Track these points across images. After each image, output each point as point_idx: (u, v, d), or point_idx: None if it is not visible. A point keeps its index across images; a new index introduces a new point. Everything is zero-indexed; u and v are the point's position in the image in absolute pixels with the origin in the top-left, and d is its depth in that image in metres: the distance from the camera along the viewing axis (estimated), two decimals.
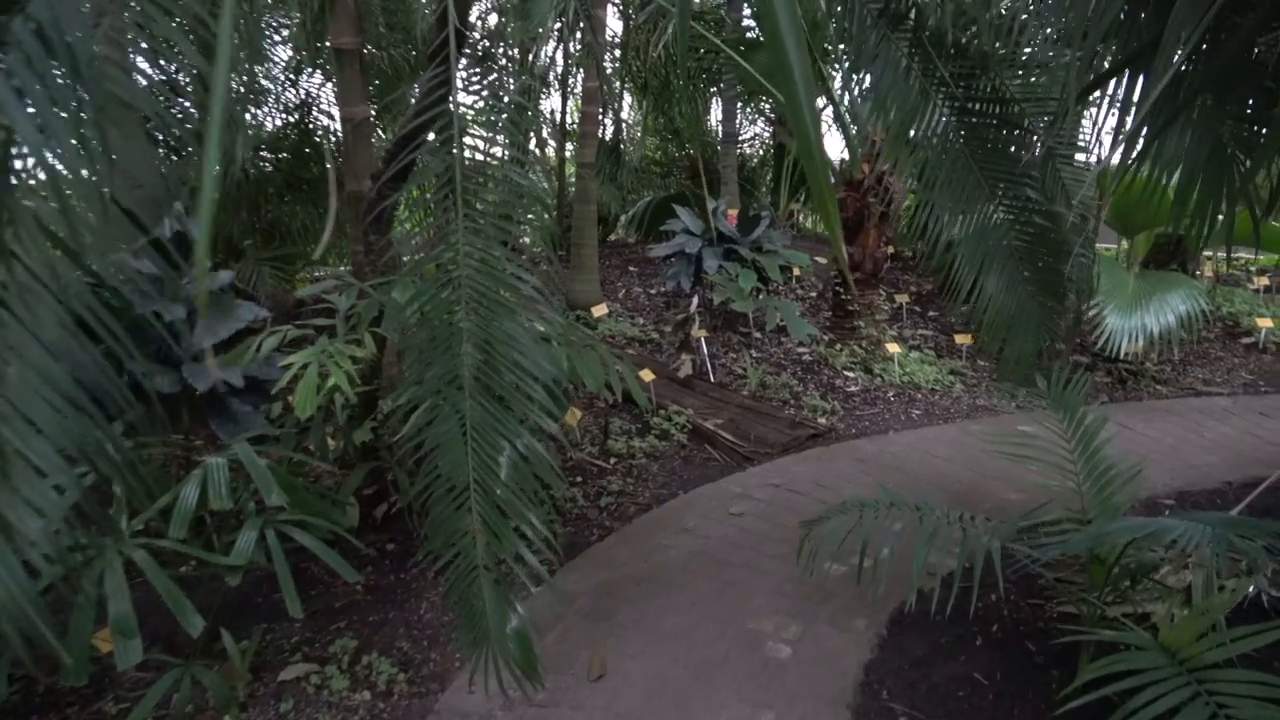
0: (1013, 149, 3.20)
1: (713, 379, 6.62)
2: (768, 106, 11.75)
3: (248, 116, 7.43)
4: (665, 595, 3.89)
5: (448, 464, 2.60)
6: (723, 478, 5.20)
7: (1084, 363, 7.04)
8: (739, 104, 10.53)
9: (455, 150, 2.78)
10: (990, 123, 3.18)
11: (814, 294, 8.91)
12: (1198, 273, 8.15)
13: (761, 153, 12.27)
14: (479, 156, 3.15)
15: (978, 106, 3.17)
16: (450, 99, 2.82)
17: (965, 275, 3.28)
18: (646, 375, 5.94)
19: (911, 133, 3.26)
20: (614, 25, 13.12)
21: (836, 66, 8.51)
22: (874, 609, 3.74)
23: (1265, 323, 7.43)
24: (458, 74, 3.36)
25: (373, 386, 4.13)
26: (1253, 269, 9.72)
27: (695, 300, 6.75)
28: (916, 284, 9.13)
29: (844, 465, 5.38)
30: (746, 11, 9.62)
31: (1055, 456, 3.67)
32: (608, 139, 8.49)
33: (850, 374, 6.89)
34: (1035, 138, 3.17)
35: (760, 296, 7.23)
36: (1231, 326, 7.72)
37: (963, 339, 7.31)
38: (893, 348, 6.97)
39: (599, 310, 7.40)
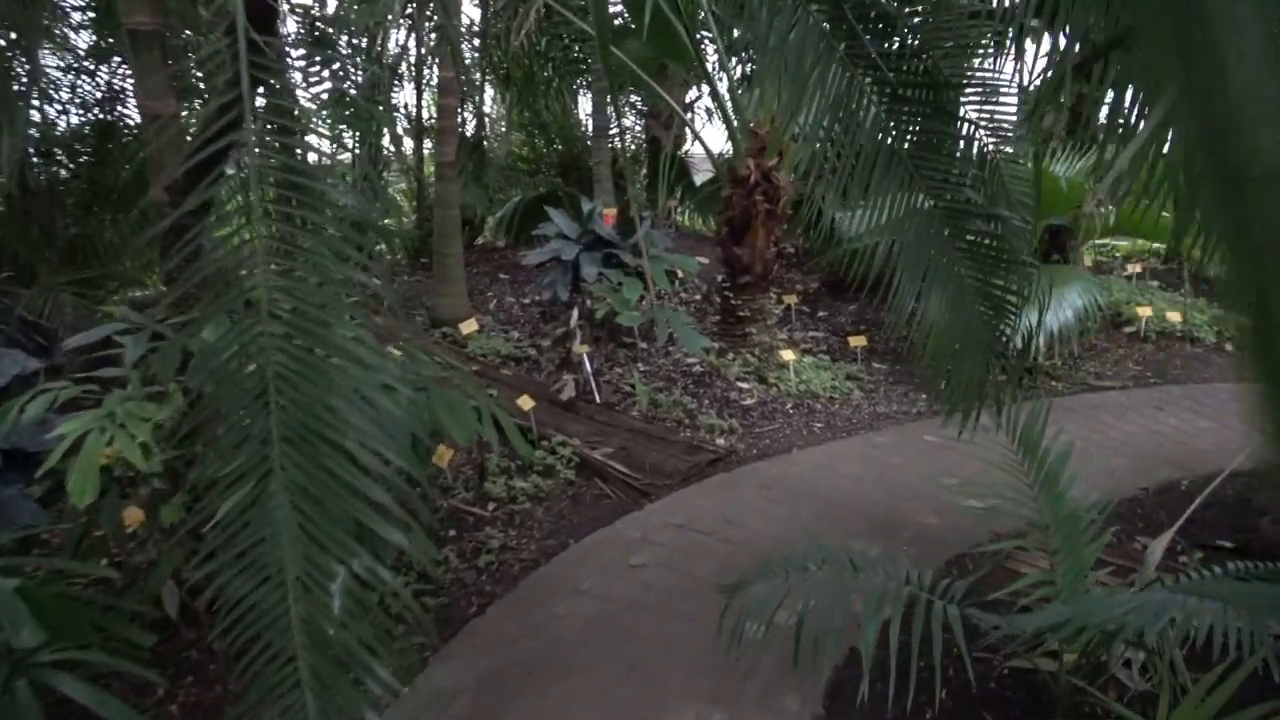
0: (948, 143, 2.71)
1: (599, 399, 6.01)
2: (639, 99, 11.21)
3: (33, 113, 6.27)
4: (564, 683, 3.24)
5: (261, 594, 1.88)
6: (618, 519, 4.59)
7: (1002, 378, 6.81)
8: (609, 96, 9.93)
9: (252, 143, 2.04)
10: (926, 113, 2.69)
11: (699, 297, 8.42)
12: (1074, 263, 8.11)
13: (634, 147, 11.70)
14: (321, 157, 2.42)
15: (911, 93, 2.67)
16: (241, 82, 2.08)
17: (905, 294, 2.79)
18: (525, 402, 5.26)
19: (833, 126, 2.72)
20: (472, 14, 12.28)
21: (714, 47, 8.03)
22: (805, 679, 3.22)
23: (1145, 311, 7.42)
24: (265, 56, 2.60)
25: (181, 452, 3.29)
26: (1119, 255, 9.89)
27: (575, 313, 6.12)
28: (803, 282, 8.79)
29: (749, 493, 4.87)
30: None
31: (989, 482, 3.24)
32: (469, 135, 7.75)
33: (745, 385, 6.41)
34: (976, 130, 2.71)
35: (644, 302, 6.67)
36: (1113, 316, 7.69)
37: (856, 341, 6.96)
38: (787, 355, 6.54)
39: (468, 327, 6.65)
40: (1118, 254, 9.88)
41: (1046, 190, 6.19)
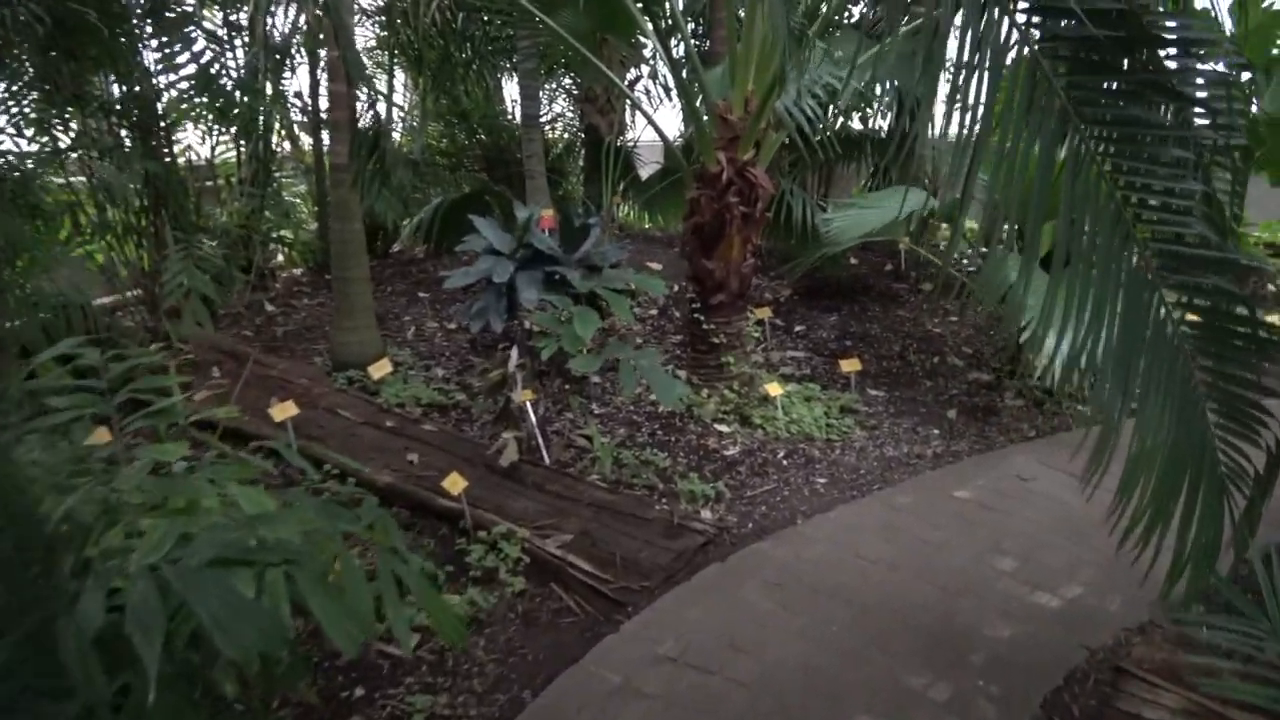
0: (1158, 142, 1.58)
1: (547, 459, 4.78)
2: (570, 82, 9.91)
3: None
4: None
5: None
6: (586, 652, 3.38)
7: (1016, 402, 5.81)
8: (539, 79, 8.61)
9: None
10: (1125, 88, 1.55)
11: (654, 312, 7.22)
12: None
13: (566, 137, 10.40)
14: None
15: (1103, 57, 1.52)
16: None
17: (1110, 399, 1.66)
18: (455, 483, 4.01)
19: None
20: None
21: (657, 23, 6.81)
22: None
23: None
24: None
25: None
26: None
27: (514, 353, 4.86)
28: (772, 290, 7.67)
29: (755, 596, 3.72)
30: None
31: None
32: (369, 127, 6.39)
33: (724, 429, 5.26)
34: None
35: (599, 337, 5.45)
36: None
37: (850, 365, 5.85)
38: (773, 389, 5.40)
39: (379, 369, 5.36)
40: None
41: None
